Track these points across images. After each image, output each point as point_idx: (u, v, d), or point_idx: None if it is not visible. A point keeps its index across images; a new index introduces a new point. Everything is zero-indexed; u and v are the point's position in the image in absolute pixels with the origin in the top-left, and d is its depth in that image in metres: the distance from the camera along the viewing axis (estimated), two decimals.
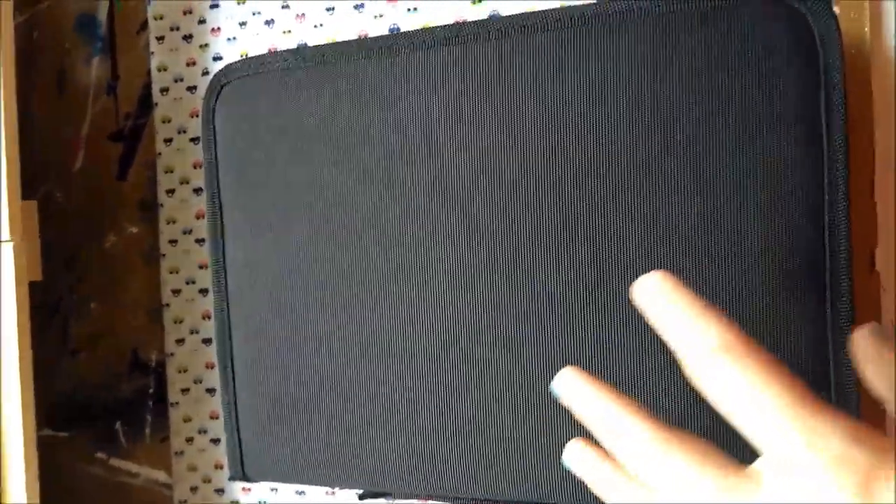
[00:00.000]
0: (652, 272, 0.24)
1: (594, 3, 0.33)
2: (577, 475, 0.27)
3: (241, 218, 0.39)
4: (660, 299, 0.24)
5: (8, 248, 0.42)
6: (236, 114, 0.39)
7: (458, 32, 0.35)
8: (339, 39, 0.44)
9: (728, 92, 0.31)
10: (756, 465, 0.22)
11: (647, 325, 0.24)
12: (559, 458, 0.32)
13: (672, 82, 0.32)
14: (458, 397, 0.34)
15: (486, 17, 0.41)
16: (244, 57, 0.45)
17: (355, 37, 0.43)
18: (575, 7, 0.33)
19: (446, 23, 0.41)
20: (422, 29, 0.36)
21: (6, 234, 0.42)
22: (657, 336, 0.24)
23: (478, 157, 0.34)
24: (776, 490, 0.21)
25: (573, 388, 0.26)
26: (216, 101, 0.39)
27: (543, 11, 0.34)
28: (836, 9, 0.36)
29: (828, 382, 0.31)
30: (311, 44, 0.44)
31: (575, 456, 0.27)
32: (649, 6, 0.32)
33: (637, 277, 0.25)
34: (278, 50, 0.41)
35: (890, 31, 0.37)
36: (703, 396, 0.23)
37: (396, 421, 0.35)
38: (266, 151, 0.38)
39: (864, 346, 0.27)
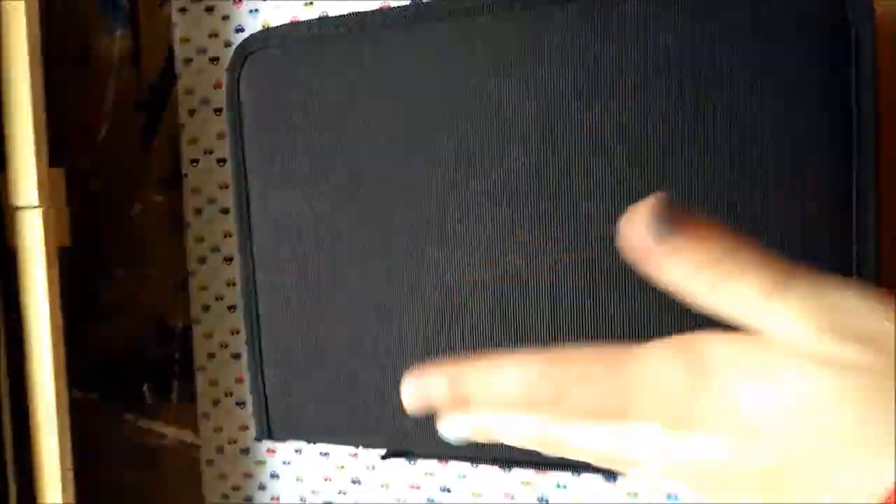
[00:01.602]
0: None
1: None
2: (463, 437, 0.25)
3: (266, 186, 0.40)
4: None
5: (37, 214, 0.43)
6: (260, 84, 0.40)
7: (484, 2, 0.35)
8: (360, 10, 0.44)
9: (761, 65, 0.31)
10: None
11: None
12: None
13: (703, 48, 0.32)
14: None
15: None
16: (267, 28, 0.46)
17: (377, 6, 0.44)
18: None
19: None
20: (448, 1, 0.36)
21: (35, 200, 0.43)
22: None
23: (505, 126, 0.35)
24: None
25: (436, 385, 0.24)
26: (240, 71, 0.40)
27: None
28: None
29: None
30: (332, 14, 0.45)
31: (452, 423, 0.25)
32: None
33: None
34: (301, 20, 0.42)
35: None
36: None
37: None
38: (290, 121, 0.39)
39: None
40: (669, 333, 0.21)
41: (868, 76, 0.31)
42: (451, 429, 0.25)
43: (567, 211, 0.34)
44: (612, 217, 0.33)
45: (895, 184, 0.37)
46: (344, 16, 0.38)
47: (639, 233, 0.20)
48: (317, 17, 0.45)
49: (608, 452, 0.22)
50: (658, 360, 0.21)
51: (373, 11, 0.37)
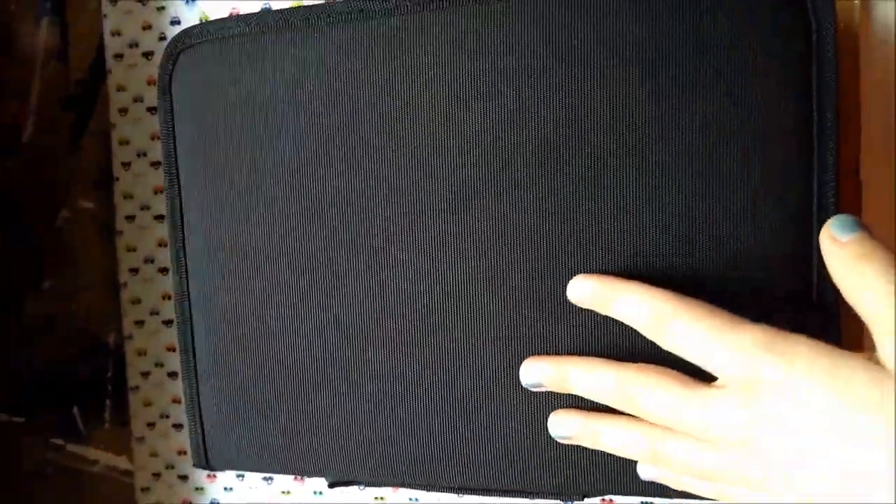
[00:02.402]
0: (574, 279, 0.30)
1: None
2: (567, 439, 0.31)
3: (202, 194, 0.37)
4: (595, 299, 0.30)
5: None
6: (195, 82, 0.36)
7: None
8: (304, 1, 0.41)
9: (720, 61, 0.30)
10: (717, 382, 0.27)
11: None
12: (540, 443, 0.31)
13: (660, 50, 0.30)
14: (430, 384, 0.33)
15: None
16: (203, 21, 0.42)
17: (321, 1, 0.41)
18: None
19: None
20: None
21: None
22: None
23: (450, 130, 0.32)
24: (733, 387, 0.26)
25: (537, 371, 0.31)
26: (173, 68, 0.37)
27: None
28: None
29: None
30: (275, 7, 0.41)
31: (559, 420, 0.31)
32: None
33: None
34: (240, 14, 0.38)
35: (879, 6, 0.35)
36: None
37: (364, 407, 0.34)
38: (227, 122, 0.36)
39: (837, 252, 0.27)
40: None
41: (830, 78, 0.30)
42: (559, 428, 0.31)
43: (523, 219, 0.32)
44: (569, 231, 0.31)
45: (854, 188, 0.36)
46: (285, 10, 0.35)
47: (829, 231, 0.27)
48: (257, 9, 0.42)
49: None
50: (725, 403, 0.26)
51: (316, 6, 0.34)
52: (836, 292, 0.27)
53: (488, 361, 0.32)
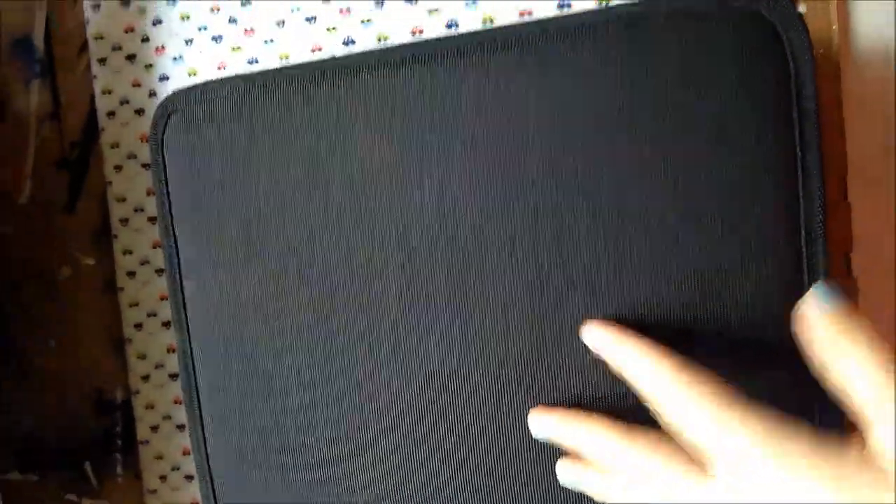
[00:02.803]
0: (591, 323, 0.31)
1: (558, 17, 0.32)
2: (569, 485, 0.31)
3: (199, 252, 0.37)
4: (609, 346, 0.30)
5: None
6: (186, 143, 0.37)
7: (415, 52, 0.33)
8: (292, 54, 0.42)
9: (700, 103, 0.30)
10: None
11: None
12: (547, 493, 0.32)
13: (643, 96, 0.30)
14: (433, 441, 0.33)
15: (443, 29, 0.39)
16: (192, 77, 0.43)
17: (308, 51, 0.41)
18: (538, 21, 0.32)
19: (403, 34, 0.40)
20: (378, 49, 0.34)
21: None
22: None
23: (445, 184, 0.33)
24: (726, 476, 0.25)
25: (547, 422, 0.31)
26: (164, 131, 0.37)
27: (503, 27, 0.32)
28: (801, 8, 0.35)
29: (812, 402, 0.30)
30: (262, 60, 0.42)
31: (563, 469, 0.31)
32: (614, 19, 0.31)
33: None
34: (227, 75, 0.39)
35: (858, 29, 0.36)
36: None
37: (370, 464, 0.34)
38: (220, 183, 0.36)
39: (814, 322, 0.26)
40: None
41: (811, 112, 0.30)
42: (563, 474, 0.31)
43: (526, 268, 0.32)
44: (566, 273, 0.31)
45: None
46: (272, 70, 0.35)
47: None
48: (245, 62, 0.42)
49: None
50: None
51: (303, 64, 0.35)
52: None
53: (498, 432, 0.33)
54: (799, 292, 0.30)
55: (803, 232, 0.31)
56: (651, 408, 0.28)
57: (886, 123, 0.36)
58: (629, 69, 0.31)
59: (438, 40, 0.33)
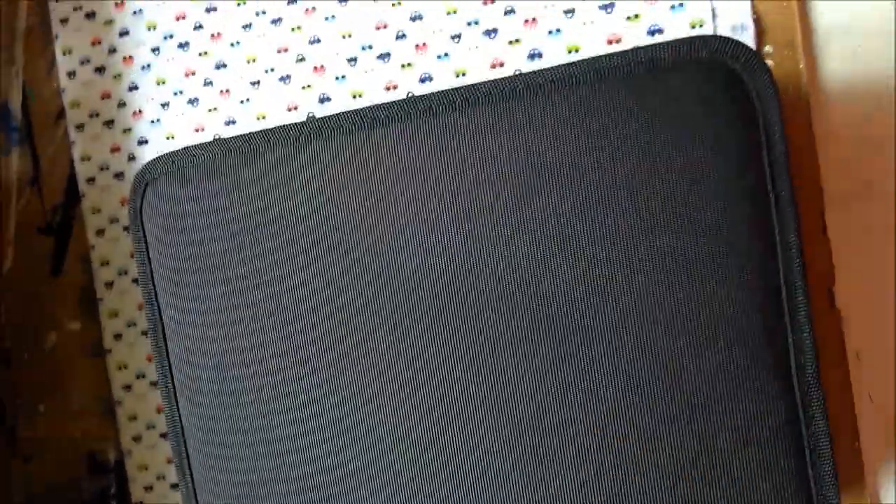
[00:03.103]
0: None
1: (523, 74, 0.32)
2: None
3: (182, 317, 0.37)
4: None
5: None
6: (164, 211, 0.37)
7: (387, 112, 0.33)
8: (268, 114, 0.42)
9: (669, 156, 0.30)
10: None
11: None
12: None
13: (611, 151, 0.31)
14: (410, 479, 0.33)
15: (416, 83, 0.40)
16: (170, 140, 0.43)
17: (285, 109, 0.42)
18: (507, 79, 0.32)
19: (377, 90, 0.40)
20: (351, 111, 0.34)
21: None
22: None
23: (419, 244, 0.33)
24: None
25: None
26: (142, 200, 0.37)
27: (466, 87, 0.32)
28: (768, 48, 0.36)
29: (800, 443, 0.30)
30: (239, 121, 0.42)
31: None
32: (580, 74, 0.31)
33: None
34: (203, 141, 0.39)
35: (825, 66, 0.36)
36: None
37: None
38: (199, 247, 0.36)
39: None
40: None
41: (781, 158, 0.30)
42: None
43: (501, 330, 0.32)
44: (539, 331, 0.31)
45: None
46: (246, 135, 0.35)
47: None
48: (222, 122, 0.42)
49: None
50: None
51: (275, 128, 0.35)
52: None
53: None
54: (781, 340, 0.31)
55: (782, 276, 0.31)
56: None
57: (859, 158, 0.36)
58: (596, 123, 0.31)
59: (410, 101, 0.33)
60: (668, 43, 0.31)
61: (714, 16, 0.36)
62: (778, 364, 0.31)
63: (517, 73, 0.39)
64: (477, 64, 0.39)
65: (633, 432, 0.31)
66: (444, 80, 0.39)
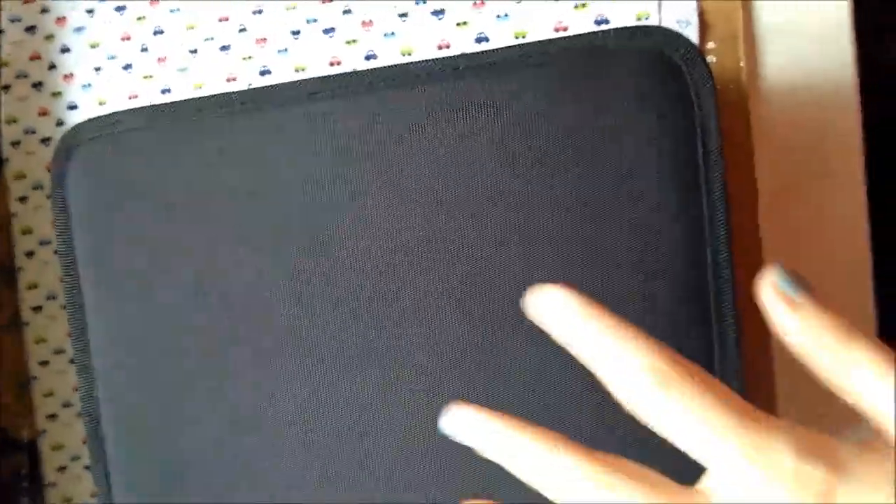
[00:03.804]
0: (550, 287, 0.22)
1: (465, 55, 0.31)
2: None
3: (103, 289, 0.35)
4: (568, 320, 0.21)
5: None
6: (90, 177, 0.35)
7: (325, 86, 0.32)
8: (205, 84, 0.41)
9: (606, 146, 0.30)
10: (705, 483, 0.20)
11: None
12: None
13: (547, 138, 0.30)
14: (333, 478, 0.32)
15: (361, 61, 0.39)
16: (102, 106, 0.41)
17: (224, 80, 0.40)
18: (444, 58, 0.32)
19: (320, 66, 0.39)
20: (287, 82, 0.33)
21: None
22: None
23: (356, 221, 0.32)
24: None
25: (472, 425, 0.22)
26: (66, 164, 0.35)
27: (413, 63, 0.32)
28: (711, 44, 0.36)
29: None
30: (174, 90, 0.41)
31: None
32: (522, 57, 0.31)
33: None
34: (136, 106, 0.38)
35: (765, 64, 0.37)
36: (639, 419, 0.21)
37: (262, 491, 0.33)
38: (125, 217, 0.35)
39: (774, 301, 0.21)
40: None
41: (715, 152, 0.30)
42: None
43: (436, 315, 0.31)
44: (473, 321, 0.31)
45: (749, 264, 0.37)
46: (179, 101, 0.34)
47: (776, 287, 0.21)
48: (158, 91, 0.41)
49: None
50: None
51: (210, 97, 0.34)
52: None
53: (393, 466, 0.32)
54: (707, 336, 0.31)
55: (711, 272, 0.31)
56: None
57: (794, 155, 0.37)
58: (536, 108, 0.30)
59: (349, 74, 0.33)
60: (610, 31, 0.31)
61: (660, 9, 0.36)
62: (703, 360, 0.31)
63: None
64: (423, 44, 0.38)
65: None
66: (390, 59, 0.38)
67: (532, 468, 0.21)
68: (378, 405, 0.32)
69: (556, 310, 0.22)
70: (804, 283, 0.22)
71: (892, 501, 0.19)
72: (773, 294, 0.21)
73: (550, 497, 0.21)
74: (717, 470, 0.20)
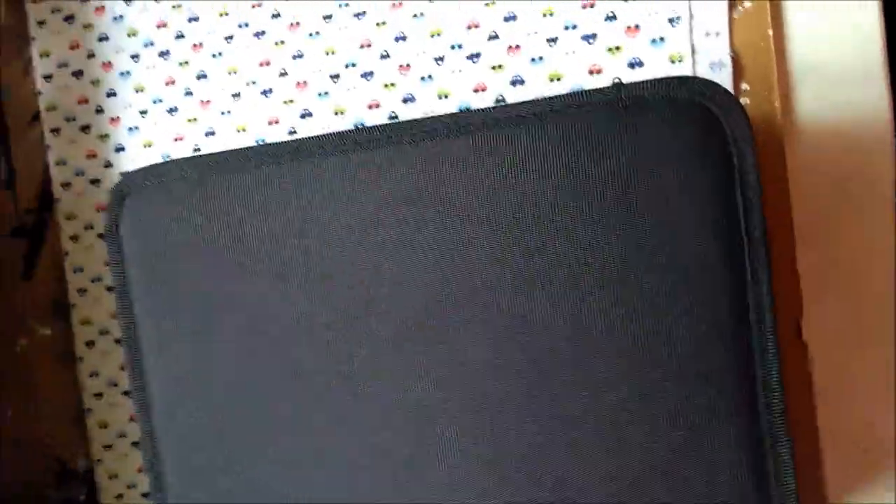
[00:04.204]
0: None
1: (506, 106, 0.32)
2: None
3: (157, 332, 0.37)
4: None
5: None
6: (141, 225, 0.37)
7: (366, 137, 0.33)
8: (248, 126, 0.42)
9: (645, 195, 0.31)
10: None
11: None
12: None
13: (586, 191, 0.31)
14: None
15: (400, 104, 0.40)
16: (147, 149, 0.43)
17: (265, 122, 0.42)
18: (482, 110, 0.32)
19: (359, 108, 0.40)
20: (331, 133, 0.34)
21: None
22: None
23: (402, 263, 0.33)
24: None
25: None
26: (119, 211, 0.37)
27: (452, 115, 0.33)
28: (745, 85, 0.37)
29: (764, 471, 0.31)
30: (218, 132, 0.42)
31: None
32: (555, 112, 0.32)
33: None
34: (182, 156, 0.39)
35: (799, 105, 0.37)
36: None
37: None
38: (175, 263, 0.36)
39: None
40: None
41: (756, 205, 0.31)
42: None
43: (476, 354, 0.32)
44: (524, 363, 0.32)
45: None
46: (223, 152, 0.35)
47: None
48: (202, 133, 0.42)
49: None
50: None
51: (254, 147, 0.35)
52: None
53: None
54: (751, 389, 0.31)
55: (753, 318, 0.31)
56: None
57: (829, 192, 0.37)
58: (572, 158, 0.31)
59: (391, 126, 0.34)
60: (646, 82, 0.31)
61: (693, 51, 0.36)
62: (746, 400, 0.31)
63: (499, 98, 0.39)
64: (459, 87, 0.39)
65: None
66: (427, 102, 0.39)
67: None
68: (429, 452, 0.33)
69: None
70: None
71: None
72: None
73: None
74: None
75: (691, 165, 0.31)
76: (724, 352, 0.31)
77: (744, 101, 0.37)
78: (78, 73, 0.43)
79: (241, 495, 0.36)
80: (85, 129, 0.44)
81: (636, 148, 0.31)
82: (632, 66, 0.37)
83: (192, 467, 0.37)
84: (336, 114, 0.41)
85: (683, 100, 0.31)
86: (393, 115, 0.40)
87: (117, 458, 0.45)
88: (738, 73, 0.36)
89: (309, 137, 0.35)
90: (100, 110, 0.43)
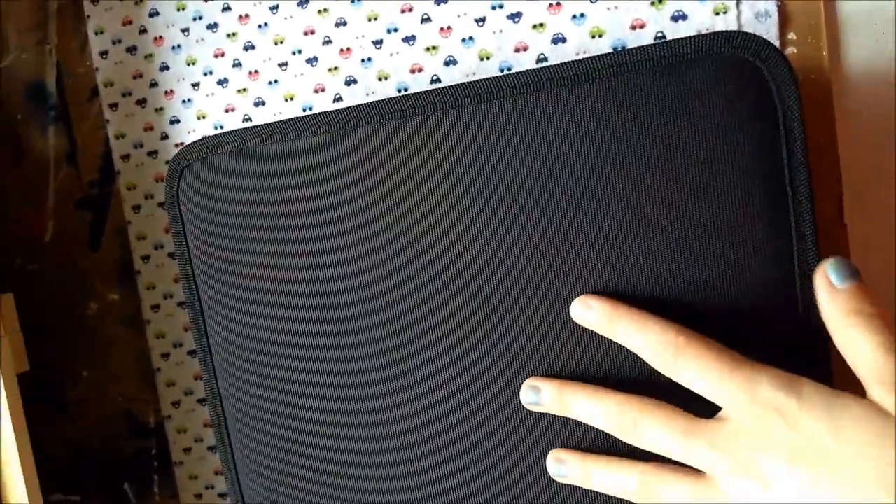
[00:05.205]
0: (580, 298, 0.32)
1: (548, 67, 0.32)
2: (563, 477, 0.33)
3: (219, 298, 0.39)
4: (599, 322, 0.32)
5: None
6: (200, 196, 0.38)
7: (412, 104, 0.34)
8: (295, 95, 0.43)
9: (690, 151, 0.31)
10: (718, 415, 0.29)
11: None
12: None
13: (633, 142, 0.32)
14: (450, 477, 0.35)
15: (441, 66, 0.40)
16: (201, 120, 0.44)
17: (312, 91, 0.43)
18: (527, 72, 0.33)
19: (402, 73, 0.41)
20: (378, 101, 0.35)
21: None
22: None
23: (452, 227, 0.34)
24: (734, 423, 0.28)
25: (538, 390, 0.33)
26: (178, 185, 0.39)
27: (494, 78, 0.33)
28: (792, 35, 0.36)
29: None
30: (267, 101, 0.43)
31: (555, 458, 0.33)
32: (603, 67, 0.32)
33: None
34: (234, 127, 0.40)
35: (847, 52, 0.36)
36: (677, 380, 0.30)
37: (389, 497, 0.36)
38: (233, 232, 0.38)
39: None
40: None
41: (800, 157, 0.31)
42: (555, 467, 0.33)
43: (534, 309, 0.34)
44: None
45: None
46: (277, 122, 0.37)
47: (824, 273, 0.29)
48: (252, 103, 0.43)
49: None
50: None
51: (307, 117, 0.36)
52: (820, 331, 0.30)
53: (506, 465, 0.35)
54: (795, 339, 0.32)
55: (797, 271, 0.32)
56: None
57: (879, 144, 0.37)
58: (617, 117, 0.32)
59: (434, 92, 0.34)
60: (690, 38, 0.31)
61: (738, 2, 0.36)
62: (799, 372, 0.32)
63: (540, 57, 0.39)
64: (500, 47, 0.39)
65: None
66: (469, 63, 0.40)
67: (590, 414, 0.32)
68: (490, 409, 0.34)
69: (590, 313, 0.32)
70: (850, 273, 0.29)
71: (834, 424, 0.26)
72: (820, 278, 0.29)
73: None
74: (720, 402, 0.29)
75: (735, 121, 0.31)
76: (766, 299, 0.32)
77: (790, 50, 0.36)
78: (132, 49, 0.45)
79: (301, 449, 0.38)
80: (141, 102, 0.45)
81: (679, 106, 0.31)
82: (675, 19, 0.37)
83: (255, 423, 0.39)
84: (380, 79, 0.41)
85: (727, 55, 0.31)
86: (435, 77, 0.40)
87: (185, 413, 0.48)
88: (784, 22, 0.36)
89: (355, 106, 0.35)
90: (154, 84, 0.45)
